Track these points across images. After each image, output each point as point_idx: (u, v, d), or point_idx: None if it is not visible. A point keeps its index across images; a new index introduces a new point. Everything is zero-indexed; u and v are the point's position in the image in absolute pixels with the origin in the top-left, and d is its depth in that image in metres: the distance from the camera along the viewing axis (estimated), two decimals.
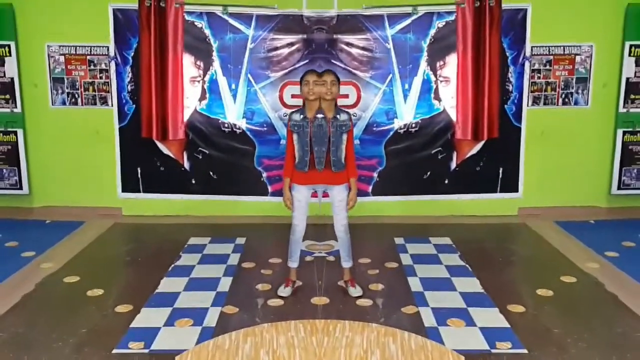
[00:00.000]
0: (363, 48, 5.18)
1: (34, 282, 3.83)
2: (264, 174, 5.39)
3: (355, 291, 3.68)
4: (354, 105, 5.25)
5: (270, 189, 5.41)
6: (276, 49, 5.17)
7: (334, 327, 3.15)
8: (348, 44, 5.17)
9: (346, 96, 5.20)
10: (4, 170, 5.40)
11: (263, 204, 5.44)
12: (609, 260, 4.25)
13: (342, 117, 3.53)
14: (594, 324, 3.22)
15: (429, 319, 3.30)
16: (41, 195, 5.52)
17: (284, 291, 3.68)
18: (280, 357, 2.85)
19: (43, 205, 5.53)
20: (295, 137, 3.54)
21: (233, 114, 5.29)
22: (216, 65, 5.21)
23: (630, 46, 5.21)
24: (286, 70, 5.20)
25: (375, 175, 5.40)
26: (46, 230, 5.05)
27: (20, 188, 5.42)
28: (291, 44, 5.16)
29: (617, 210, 5.50)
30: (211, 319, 3.31)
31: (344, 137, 3.54)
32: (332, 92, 3.47)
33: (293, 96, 5.21)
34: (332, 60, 5.15)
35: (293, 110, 3.71)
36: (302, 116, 3.53)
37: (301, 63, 5.17)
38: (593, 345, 2.97)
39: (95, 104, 5.30)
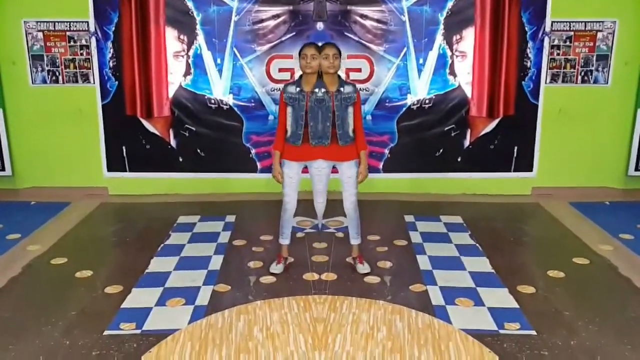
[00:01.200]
0: (377, 20, 5.04)
1: (20, 265, 3.75)
2: (253, 151, 5.31)
3: (363, 268, 3.65)
4: (367, 80, 5.14)
5: (259, 165, 5.34)
6: (262, 21, 5.03)
7: (341, 304, 3.14)
8: (362, 16, 5.02)
9: (358, 70, 5.10)
10: None
11: (252, 181, 5.38)
12: (624, 242, 4.18)
13: (347, 89, 3.43)
14: (606, 308, 3.17)
15: (437, 298, 3.28)
16: (25, 176, 5.39)
17: (276, 268, 3.65)
18: (274, 333, 2.84)
19: (27, 186, 5.41)
20: (289, 110, 3.45)
21: (219, 90, 5.18)
22: (200, 39, 5.07)
23: None
24: (273, 44, 5.08)
25: (386, 151, 5.32)
26: (31, 211, 4.95)
27: (3, 169, 5.29)
28: (277, 16, 5.02)
29: (633, 191, 5.39)
30: (203, 297, 3.28)
31: (350, 110, 3.46)
32: (335, 66, 3.38)
33: (280, 70, 5.10)
34: (346, 33, 5.02)
35: (288, 82, 3.61)
36: (298, 89, 3.43)
37: (288, 36, 5.04)
38: (604, 329, 2.93)
39: (76, 81, 5.15)
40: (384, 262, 3.81)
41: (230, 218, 4.70)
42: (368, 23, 5.04)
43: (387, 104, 5.22)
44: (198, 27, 5.04)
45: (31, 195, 5.30)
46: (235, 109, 5.21)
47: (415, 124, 5.25)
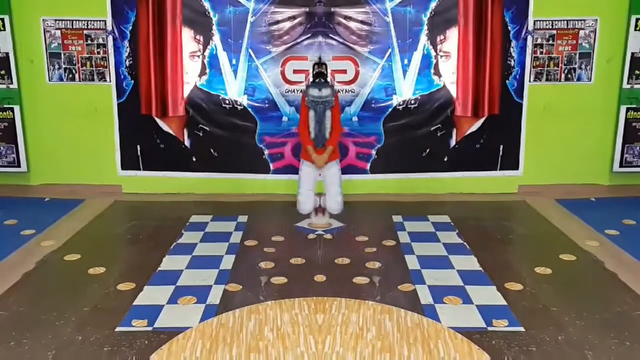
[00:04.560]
0: (362, 22, 5.06)
1: (34, 261, 3.78)
2: (266, 152, 5.32)
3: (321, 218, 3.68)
4: (352, 81, 5.15)
5: (272, 166, 5.34)
6: (277, 22, 5.05)
7: (330, 305, 3.14)
8: (346, 18, 5.04)
9: (344, 71, 5.10)
10: (1, 148, 5.32)
11: (265, 182, 5.39)
12: (609, 238, 4.21)
13: (326, 91, 3.48)
14: (593, 303, 3.20)
15: (425, 297, 3.28)
16: (40, 173, 5.45)
17: (318, 219, 3.73)
18: (285, 334, 2.84)
19: (42, 183, 5.47)
20: (311, 113, 3.48)
21: (234, 90, 5.19)
22: (216, 39, 5.09)
23: (637, 20, 5.09)
24: (288, 45, 5.09)
25: (373, 152, 5.32)
26: (45, 208, 4.99)
27: (19, 165, 5.36)
28: (293, 18, 5.03)
29: (618, 188, 5.45)
30: (214, 296, 3.28)
31: (327, 113, 3.49)
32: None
33: (295, 71, 5.11)
34: (330, 35, 5.04)
35: (309, 84, 3.63)
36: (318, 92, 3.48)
37: (303, 37, 5.06)
38: (591, 324, 2.95)
39: (93, 79, 5.20)
40: (373, 262, 3.80)
41: (242, 218, 4.70)
42: (352, 24, 5.05)
43: (372, 105, 5.21)
44: (214, 27, 5.07)
45: (46, 192, 5.35)
46: (250, 109, 5.23)
47: (401, 125, 5.25)
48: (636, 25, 5.11)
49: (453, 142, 5.33)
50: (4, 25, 5.06)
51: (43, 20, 5.08)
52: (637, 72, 5.21)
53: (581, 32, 5.14)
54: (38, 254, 3.89)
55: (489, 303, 3.20)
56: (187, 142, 5.32)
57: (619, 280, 3.49)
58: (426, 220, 4.65)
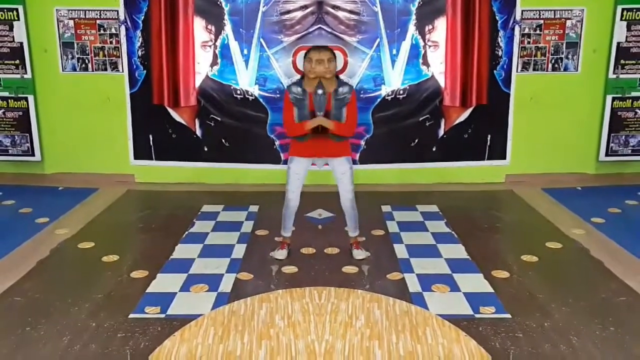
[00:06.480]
0: (350, 11, 5.03)
1: (49, 248, 3.84)
2: (277, 142, 5.33)
3: (359, 253, 3.68)
4: (341, 72, 5.10)
5: (282, 156, 5.35)
6: (289, 12, 5.04)
7: (320, 294, 3.16)
8: (335, 7, 5.01)
9: None
10: (16, 137, 5.38)
11: (276, 172, 5.39)
12: (595, 226, 4.25)
13: (343, 90, 3.48)
14: (578, 290, 3.23)
15: (414, 285, 3.31)
16: (53, 162, 5.51)
17: (279, 254, 3.70)
18: (295, 322, 2.86)
19: (55, 171, 5.52)
20: (295, 110, 3.50)
21: (245, 80, 5.20)
22: (228, 29, 5.09)
23: (623, 10, 5.07)
24: (299, 35, 5.08)
25: (362, 143, 5.32)
26: (59, 196, 5.05)
27: (33, 154, 5.41)
28: (304, 7, 5.02)
29: (604, 176, 5.48)
30: (226, 285, 3.31)
31: (344, 110, 3.49)
32: (331, 70, 3.42)
33: None
34: (319, 24, 5.02)
35: (292, 82, 3.67)
36: (301, 89, 3.48)
37: (315, 27, 5.04)
38: (576, 310, 2.99)
39: (105, 69, 5.23)
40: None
41: (254, 208, 4.73)
42: (341, 14, 5.02)
43: (361, 95, 5.19)
44: (226, 17, 5.07)
45: (59, 181, 5.41)
46: (261, 100, 5.23)
47: (390, 115, 5.24)
48: (622, 16, 5.09)
49: (441, 132, 5.33)
50: (18, 16, 5.09)
51: (56, 10, 5.11)
52: (622, 62, 5.20)
53: (568, 22, 5.12)
54: (52, 242, 3.95)
55: (476, 291, 3.23)
56: (198, 132, 5.34)
57: (604, 268, 3.52)
58: (415, 210, 4.67)
